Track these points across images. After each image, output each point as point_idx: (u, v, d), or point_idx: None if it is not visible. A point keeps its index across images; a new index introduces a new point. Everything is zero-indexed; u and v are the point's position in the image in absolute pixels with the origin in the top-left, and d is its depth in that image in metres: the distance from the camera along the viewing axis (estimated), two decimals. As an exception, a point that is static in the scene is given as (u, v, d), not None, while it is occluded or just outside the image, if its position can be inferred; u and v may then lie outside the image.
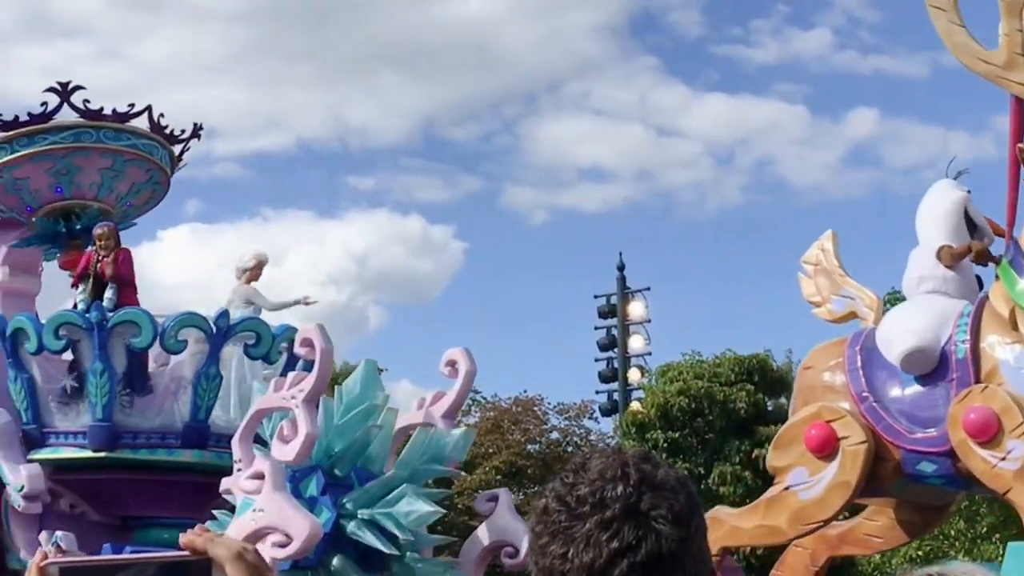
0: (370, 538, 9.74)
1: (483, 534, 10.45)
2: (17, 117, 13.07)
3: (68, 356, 12.46)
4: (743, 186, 61.86)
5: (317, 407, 10.11)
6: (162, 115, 13.54)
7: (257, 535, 10.07)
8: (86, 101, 13.15)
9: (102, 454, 12.05)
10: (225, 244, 49.34)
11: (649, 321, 30.13)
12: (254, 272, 13.40)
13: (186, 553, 2.07)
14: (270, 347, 12.30)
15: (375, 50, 61.84)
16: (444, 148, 61.83)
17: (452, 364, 11.64)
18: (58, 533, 11.58)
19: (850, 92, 61.96)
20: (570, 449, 32.13)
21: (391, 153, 63.42)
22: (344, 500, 10.00)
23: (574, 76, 62.98)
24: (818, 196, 61.36)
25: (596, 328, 30.29)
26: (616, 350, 29.87)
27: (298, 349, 10.98)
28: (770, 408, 30.27)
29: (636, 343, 30.06)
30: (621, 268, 30.37)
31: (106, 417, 12.00)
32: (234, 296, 13.20)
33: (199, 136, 14.02)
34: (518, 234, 59.84)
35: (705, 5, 65.76)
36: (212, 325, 12.11)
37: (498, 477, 29.11)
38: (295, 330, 12.37)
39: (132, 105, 13.42)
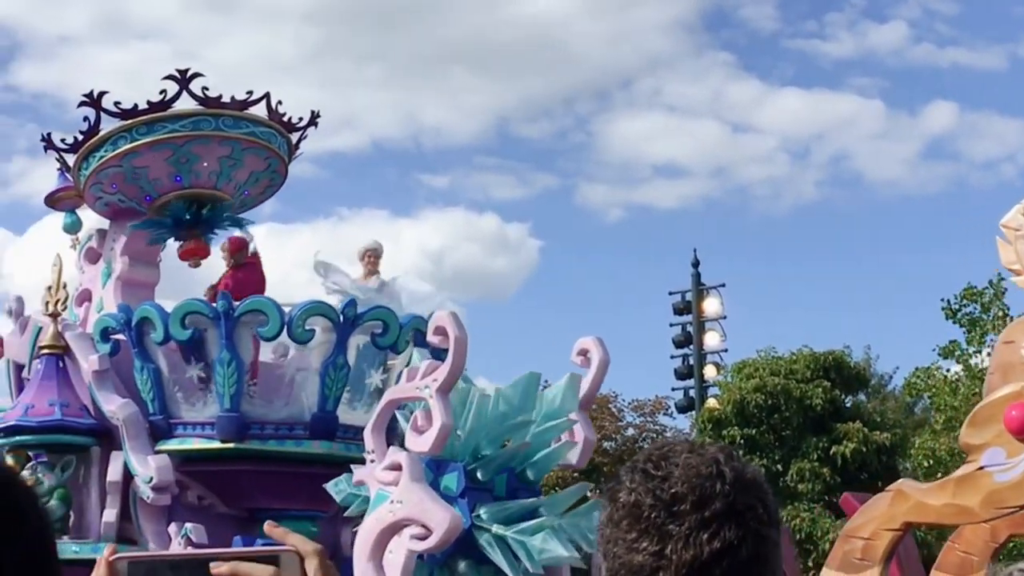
0: (499, 557, 9.49)
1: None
2: (136, 105, 12.90)
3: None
4: (819, 181, 61.26)
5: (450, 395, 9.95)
6: (280, 102, 13.36)
7: (395, 527, 9.87)
8: (205, 89, 12.97)
9: (230, 445, 11.87)
10: (301, 244, 49.36)
11: (724, 317, 29.87)
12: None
13: (273, 547, 1.96)
14: (397, 336, 12.08)
15: (447, 49, 61.71)
16: (518, 146, 61.64)
17: (584, 353, 11.39)
18: (187, 525, 11.45)
19: (927, 85, 61.21)
20: (645, 446, 31.96)
21: (465, 151, 63.30)
22: (481, 509, 9.74)
23: (646, 72, 62.54)
24: (895, 191, 60.69)
25: (671, 325, 30.07)
26: (691, 347, 29.65)
27: (431, 337, 10.77)
28: (847, 405, 29.99)
29: (712, 339, 29.84)
30: (696, 264, 30.13)
31: (234, 407, 11.82)
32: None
33: (316, 124, 13.80)
34: (593, 231, 59.54)
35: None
36: (339, 314, 11.90)
37: (574, 474, 28.99)
38: (422, 319, 12.15)
39: (250, 92, 13.24)
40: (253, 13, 60.46)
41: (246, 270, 12.99)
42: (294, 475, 12.03)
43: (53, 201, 13.79)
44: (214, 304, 11.91)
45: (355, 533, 13.20)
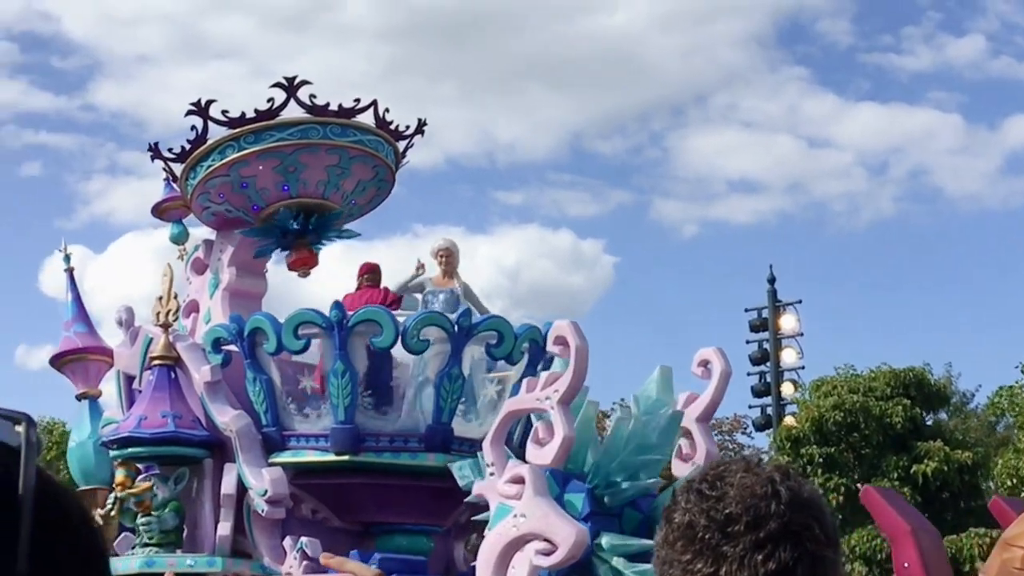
0: None
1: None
2: (244, 114, 12.77)
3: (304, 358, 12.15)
4: (897, 196, 60.60)
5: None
6: (387, 110, 13.18)
7: (519, 542, 9.65)
8: (312, 96, 12.82)
9: (345, 458, 11.68)
10: (378, 260, 49.20)
11: (801, 334, 29.62)
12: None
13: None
14: (512, 347, 11.84)
15: (520, 65, 61.67)
16: (592, 162, 61.47)
17: (705, 364, 11.15)
18: (303, 539, 11.28)
19: (1007, 99, 60.44)
20: (723, 465, 31.79)
21: (539, 168, 63.22)
22: (604, 538, 9.50)
23: (721, 87, 62.34)
24: (975, 206, 59.91)
25: (748, 342, 29.84)
26: (768, 364, 29.34)
27: (551, 347, 10.57)
28: (928, 423, 29.53)
29: (789, 357, 29.56)
30: (772, 281, 29.83)
31: (348, 419, 11.63)
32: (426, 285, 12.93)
33: (422, 132, 13.62)
34: (668, 247, 59.24)
35: (855, 13, 64.59)
36: (454, 324, 11.69)
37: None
38: (537, 329, 11.94)
39: (358, 100, 13.06)
40: (327, 31, 60.79)
41: (371, 291, 12.83)
42: (409, 488, 11.83)
43: (160, 211, 13.69)
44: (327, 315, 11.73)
45: (469, 549, 13.05)
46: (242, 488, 11.74)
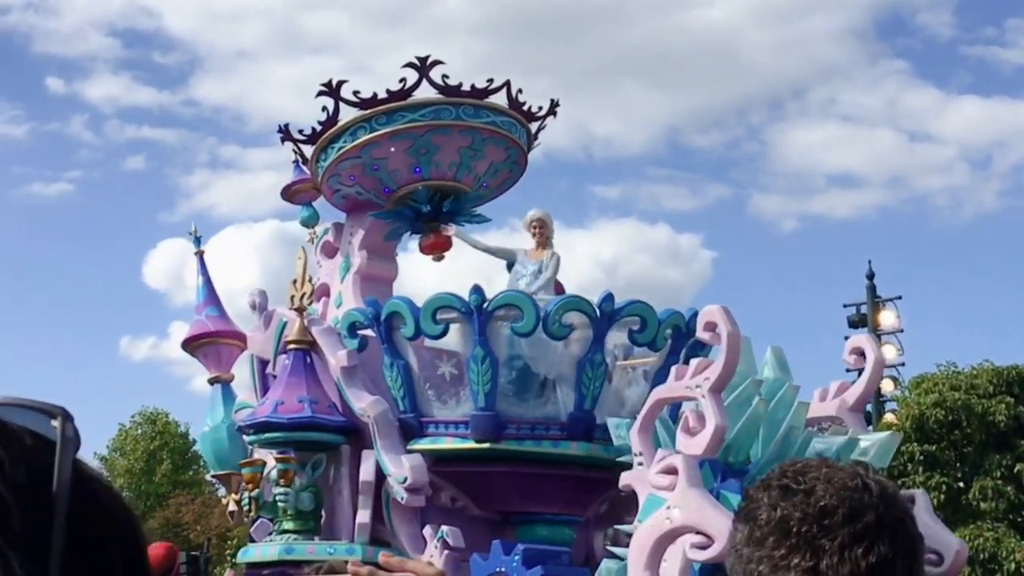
0: None
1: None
2: (375, 94, 12.55)
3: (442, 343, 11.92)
4: (1001, 191, 59.50)
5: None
6: (520, 91, 12.89)
7: (672, 535, 9.34)
8: (445, 77, 12.56)
9: (486, 445, 11.44)
10: (474, 255, 49.16)
11: (901, 331, 29.03)
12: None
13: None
14: (656, 332, 11.53)
15: (617, 60, 61.28)
16: (690, 156, 60.98)
17: (860, 353, 10.77)
18: (444, 528, 11.06)
19: (1115, 90, 58.88)
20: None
21: (636, 162, 62.81)
22: None
23: (819, 81, 61.59)
24: (1082, 201, 58.46)
25: (846, 338, 29.20)
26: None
27: (701, 333, 10.24)
28: None
29: (888, 353, 28.94)
30: (871, 276, 29.24)
31: (489, 406, 11.39)
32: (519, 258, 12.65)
33: (555, 113, 13.32)
34: (766, 242, 58.55)
35: (956, 5, 63.55)
36: (596, 308, 11.39)
37: (752, 491, 28.44)
38: (681, 315, 11.62)
39: (491, 80, 12.79)
40: (422, 26, 60.89)
41: None
42: (550, 477, 11.57)
43: (290, 194, 13.52)
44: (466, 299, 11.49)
45: (607, 539, 12.77)
46: (380, 475, 11.55)
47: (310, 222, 13.37)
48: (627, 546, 9.49)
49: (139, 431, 52.38)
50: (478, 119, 12.59)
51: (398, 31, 64.13)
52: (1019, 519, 27.15)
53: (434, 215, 12.80)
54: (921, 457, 26.84)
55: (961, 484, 26.86)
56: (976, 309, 56.72)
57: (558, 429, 11.47)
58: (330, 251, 13.37)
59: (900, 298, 29.56)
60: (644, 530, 9.57)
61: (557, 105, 13.30)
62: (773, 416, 9.66)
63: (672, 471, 9.50)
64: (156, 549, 8.31)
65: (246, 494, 11.76)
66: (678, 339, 11.64)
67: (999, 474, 26.48)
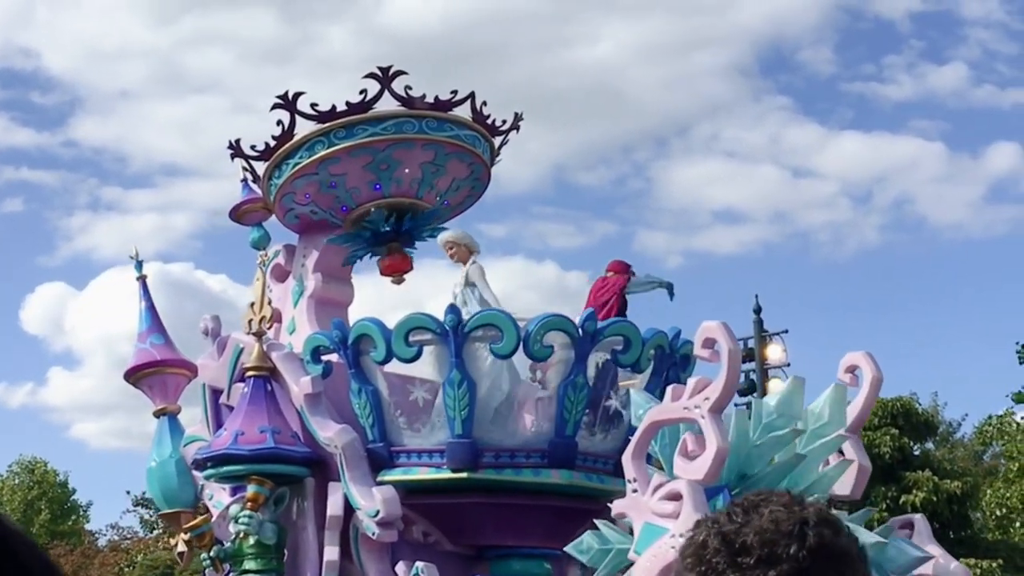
0: None
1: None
2: (334, 107, 11.87)
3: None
4: (882, 226, 60.40)
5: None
6: (484, 103, 12.31)
7: (676, 565, 8.75)
8: (408, 88, 11.94)
9: (463, 475, 10.77)
10: (368, 291, 48.53)
11: (788, 364, 29.25)
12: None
13: None
14: (640, 353, 10.98)
15: (503, 98, 61.03)
16: (576, 194, 60.92)
17: (852, 370, 10.33)
18: (418, 564, 10.40)
19: (989, 127, 60.51)
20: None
21: (523, 200, 62.61)
22: None
23: (704, 118, 62.19)
24: (960, 234, 59.77)
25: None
26: (756, 394, 28.90)
27: (698, 351, 9.76)
28: (916, 453, 29.22)
29: (776, 387, 28.99)
30: (758, 311, 29.34)
31: (466, 433, 10.72)
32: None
33: (518, 128, 12.75)
34: (653, 279, 58.61)
35: (836, 43, 64.61)
36: (579, 328, 10.82)
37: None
38: (664, 335, 11.10)
39: (455, 92, 12.19)
40: (307, 64, 60.18)
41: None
42: (529, 508, 10.94)
43: (239, 215, 12.72)
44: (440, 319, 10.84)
45: (585, 572, 12.14)
46: (348, 509, 10.81)
47: (261, 243, 12.60)
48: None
49: (16, 480, 50.51)
50: (442, 132, 11.97)
51: (283, 69, 63.28)
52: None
53: (393, 234, 12.13)
54: (807, 490, 26.93)
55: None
56: (860, 342, 57.40)
57: (539, 457, 10.84)
58: (281, 275, 12.60)
59: (787, 332, 29.69)
60: (646, 560, 8.97)
61: (521, 118, 12.73)
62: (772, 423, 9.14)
63: (676, 497, 8.95)
64: None
65: (204, 554, 10.96)
66: (661, 360, 11.11)
67: (885, 506, 26.55)
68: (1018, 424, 30.86)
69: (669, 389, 9.59)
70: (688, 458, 9.17)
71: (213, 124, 66.89)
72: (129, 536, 46.13)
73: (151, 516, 46.01)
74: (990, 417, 32.96)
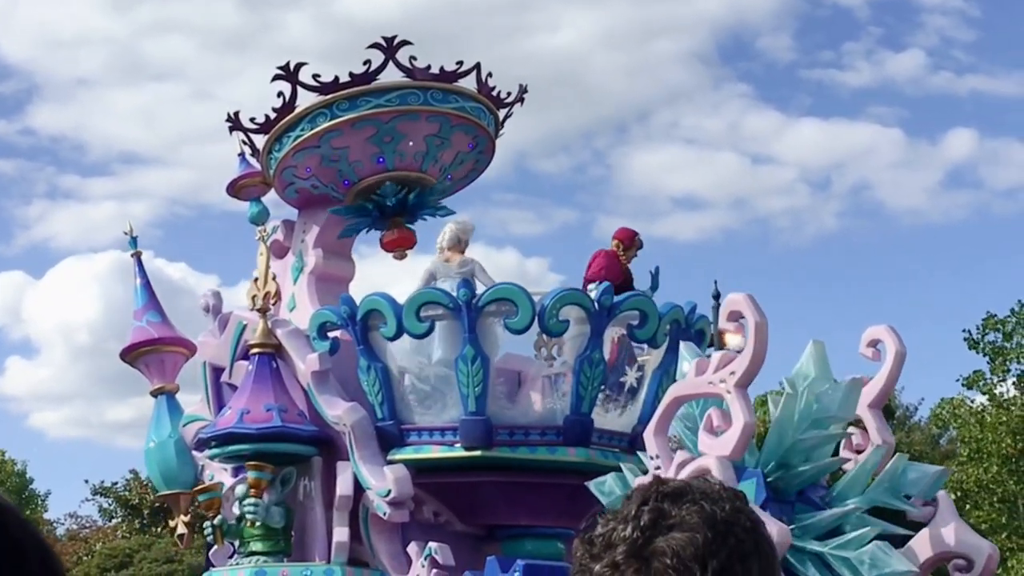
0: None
1: (922, 544, 8.85)
2: (337, 78, 11.55)
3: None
4: (840, 212, 60.61)
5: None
6: (490, 74, 12.03)
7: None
8: (412, 59, 11.64)
9: (476, 453, 10.51)
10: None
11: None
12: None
13: None
14: (656, 328, 10.75)
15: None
16: (536, 181, 60.67)
17: (874, 344, 10.15)
18: (431, 545, 10.12)
19: (947, 113, 60.75)
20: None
21: (483, 188, 62.21)
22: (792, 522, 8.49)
23: (664, 105, 62.17)
24: (917, 220, 60.02)
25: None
26: None
27: (724, 324, 9.60)
28: None
29: None
30: (717, 297, 29.14)
31: (479, 410, 10.46)
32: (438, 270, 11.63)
33: (523, 100, 12.49)
34: (613, 265, 58.56)
35: (796, 30, 64.72)
36: (595, 303, 10.57)
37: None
38: (680, 309, 10.88)
39: (460, 63, 11.91)
40: (268, 52, 59.65)
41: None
42: (544, 487, 10.69)
43: (236, 190, 12.38)
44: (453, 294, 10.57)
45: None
46: (357, 489, 10.53)
47: (259, 219, 12.26)
48: None
49: (-29, 470, 49.80)
50: (447, 104, 11.68)
51: (244, 57, 62.76)
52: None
53: (398, 209, 11.83)
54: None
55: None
56: (819, 327, 57.63)
57: (554, 434, 10.59)
58: (280, 251, 12.26)
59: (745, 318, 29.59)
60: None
61: (525, 91, 12.47)
62: (822, 406, 8.93)
63: (704, 474, 8.73)
64: None
65: (207, 523, 10.65)
66: (677, 334, 10.89)
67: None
68: (970, 408, 30.90)
69: (693, 363, 9.39)
70: (713, 433, 8.96)
71: (172, 112, 66.27)
72: (88, 525, 45.55)
73: (109, 505, 45.51)
74: (943, 400, 32.97)
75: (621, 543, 1.83)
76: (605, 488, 9.06)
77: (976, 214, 61.05)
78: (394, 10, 59.74)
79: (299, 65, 11.56)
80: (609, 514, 1.91)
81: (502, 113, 12.30)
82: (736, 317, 9.49)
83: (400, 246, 11.82)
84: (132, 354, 11.97)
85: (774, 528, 8.21)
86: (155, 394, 12.01)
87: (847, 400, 9.18)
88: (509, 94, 12.27)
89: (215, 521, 10.57)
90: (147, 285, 12.29)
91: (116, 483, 44.79)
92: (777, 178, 60.75)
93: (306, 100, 11.64)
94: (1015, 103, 60.88)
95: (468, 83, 11.92)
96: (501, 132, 12.50)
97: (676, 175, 60.60)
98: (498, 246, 65.60)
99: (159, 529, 42.84)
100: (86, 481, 45.66)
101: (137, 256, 12.44)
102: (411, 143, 11.66)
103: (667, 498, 1.86)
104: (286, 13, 65.12)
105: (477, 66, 11.90)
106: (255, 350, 10.92)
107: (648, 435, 9.28)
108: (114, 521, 45.08)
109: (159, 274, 62.39)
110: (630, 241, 12.21)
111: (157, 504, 43.64)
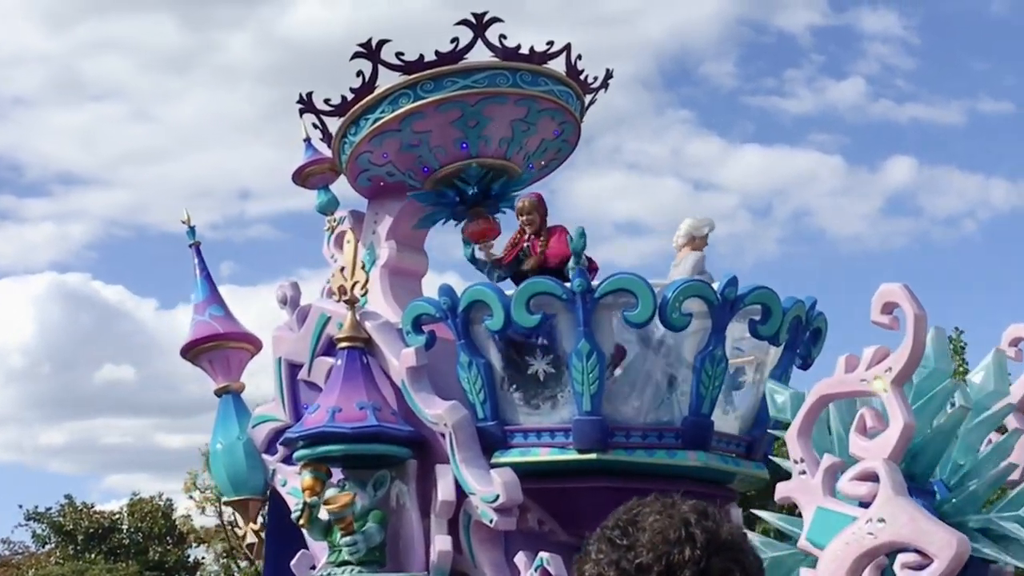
0: (990, 551, 7.61)
1: None
2: (422, 57, 10.77)
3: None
4: (781, 238, 60.66)
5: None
6: (579, 56, 11.29)
7: (875, 553, 7.85)
8: (502, 37, 10.88)
9: (591, 456, 9.72)
10: (261, 306, 47.19)
11: None
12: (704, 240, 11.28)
13: None
14: (780, 324, 10.05)
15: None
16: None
17: (1017, 343, 9.56)
18: (543, 555, 9.35)
19: (886, 141, 61.12)
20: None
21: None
22: (941, 505, 7.88)
23: (607, 130, 61.80)
24: (858, 247, 60.22)
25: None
26: None
27: (877, 317, 8.89)
28: None
29: None
30: None
31: (595, 410, 9.67)
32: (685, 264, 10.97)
33: (607, 86, 11.77)
34: (555, 289, 58.14)
35: (739, 56, 64.80)
36: (719, 295, 9.85)
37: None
38: (803, 304, 10.21)
39: (551, 43, 11.16)
40: (208, 73, 58.61)
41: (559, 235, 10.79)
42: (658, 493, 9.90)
43: (302, 177, 11.50)
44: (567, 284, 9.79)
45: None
46: (459, 495, 9.70)
47: (328, 208, 11.41)
48: None
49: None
50: (536, 87, 10.93)
51: (184, 77, 61.51)
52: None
53: (480, 198, 11.05)
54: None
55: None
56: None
57: (673, 436, 9.84)
58: (343, 243, 11.40)
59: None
60: (837, 547, 8.04)
61: (611, 75, 11.76)
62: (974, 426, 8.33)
63: (871, 478, 8.03)
64: None
65: (300, 501, 9.69)
66: (795, 332, 10.21)
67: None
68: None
69: (842, 359, 8.67)
70: (866, 435, 8.27)
71: (111, 132, 64.82)
72: (20, 551, 43.84)
73: (43, 531, 43.86)
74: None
75: (684, 569, 1.81)
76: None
77: (916, 242, 61.50)
78: (339, 31, 58.97)
79: (381, 42, 10.75)
80: (623, 537, 1.87)
81: (587, 99, 11.56)
82: (890, 309, 8.78)
83: (485, 236, 11.03)
84: (194, 350, 11.02)
85: (951, 536, 7.54)
86: (219, 393, 11.06)
87: (999, 373, 8.62)
88: (596, 78, 11.55)
89: (309, 500, 9.56)
90: (208, 277, 11.35)
91: (50, 508, 43.11)
92: (719, 204, 60.78)
93: (386, 81, 10.84)
94: (954, 131, 61.53)
95: (557, 65, 11.18)
96: (583, 120, 11.77)
97: (619, 200, 60.46)
98: (439, 271, 64.89)
99: (93, 555, 41.39)
100: (20, 506, 43.92)
101: (196, 247, 11.49)
102: (496, 128, 10.91)
103: (703, 516, 1.87)
104: (228, 33, 64.04)
105: (567, 47, 11.18)
106: (343, 344, 10.04)
107: (791, 437, 8.56)
108: (47, 547, 43.42)
109: (95, 297, 60.82)
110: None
111: (91, 530, 42.23)
